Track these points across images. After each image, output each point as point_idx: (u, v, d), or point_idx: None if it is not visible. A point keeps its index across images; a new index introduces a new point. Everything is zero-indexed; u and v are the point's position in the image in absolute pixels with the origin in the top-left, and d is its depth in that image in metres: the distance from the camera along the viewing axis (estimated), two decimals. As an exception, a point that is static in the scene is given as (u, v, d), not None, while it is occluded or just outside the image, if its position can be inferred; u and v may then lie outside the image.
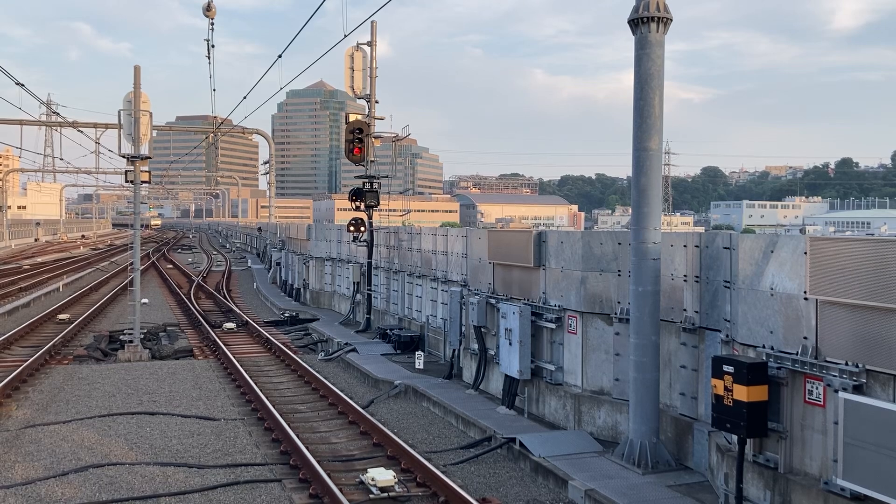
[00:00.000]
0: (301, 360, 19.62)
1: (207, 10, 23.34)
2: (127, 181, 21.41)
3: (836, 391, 8.13)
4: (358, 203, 25.49)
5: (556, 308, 13.90)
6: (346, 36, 19.09)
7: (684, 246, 11.45)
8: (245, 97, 31.40)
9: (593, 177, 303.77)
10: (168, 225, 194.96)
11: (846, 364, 8.20)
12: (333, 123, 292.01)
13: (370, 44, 25.58)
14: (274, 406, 14.64)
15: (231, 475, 11.32)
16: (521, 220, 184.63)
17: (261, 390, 16.02)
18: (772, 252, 9.27)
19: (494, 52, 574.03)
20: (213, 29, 24.84)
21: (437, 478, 10.52)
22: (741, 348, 9.75)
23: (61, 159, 74.17)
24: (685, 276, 11.43)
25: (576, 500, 10.25)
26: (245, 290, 40.49)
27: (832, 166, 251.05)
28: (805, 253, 8.72)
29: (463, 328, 17.45)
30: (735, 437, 9.20)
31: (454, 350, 17.87)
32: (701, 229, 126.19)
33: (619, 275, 12.64)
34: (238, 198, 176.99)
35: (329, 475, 10.64)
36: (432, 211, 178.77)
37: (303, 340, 24.65)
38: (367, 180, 25.37)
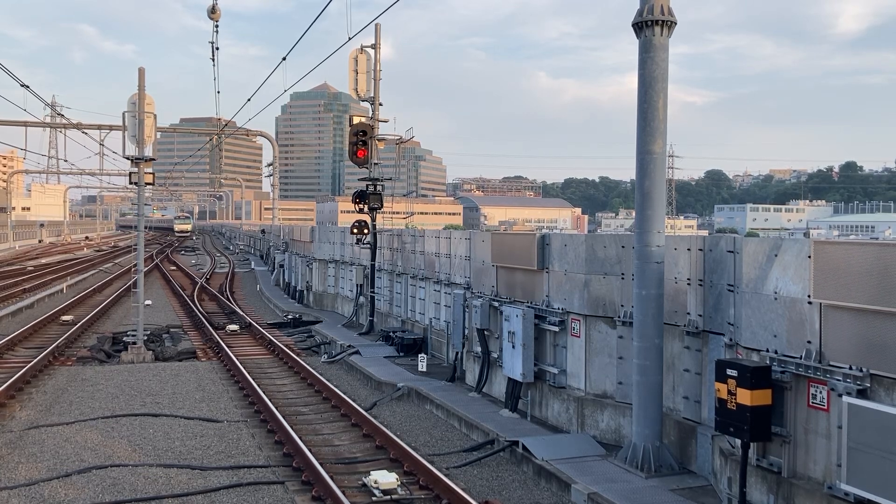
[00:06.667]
0: (304, 363, 19.63)
1: (212, 12, 23.42)
2: (131, 183, 21.46)
3: (840, 395, 8.11)
4: (361, 205, 25.50)
5: (560, 311, 13.89)
6: (350, 38, 19.13)
7: (688, 249, 11.44)
8: (249, 99, 31.42)
9: (597, 180, 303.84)
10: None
11: (850, 368, 8.18)
12: (337, 126, 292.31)
13: (374, 46, 25.60)
14: (277, 408, 14.65)
15: (234, 477, 11.32)
16: (524, 223, 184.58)
17: (264, 392, 16.02)
18: (776, 256, 9.26)
19: (497, 55, 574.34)
20: (217, 31, 24.92)
21: (440, 480, 10.51)
22: (745, 352, 9.73)
23: (65, 161, 74.37)
24: (689, 279, 11.42)
25: (579, 504, 10.24)
26: (248, 292, 40.53)
27: (836, 170, 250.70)
28: (809, 257, 8.70)
29: (466, 331, 17.45)
30: (738, 441, 9.18)
31: (457, 353, 17.87)
32: (705, 233, 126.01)
33: (623, 278, 12.63)
34: (242, 200, 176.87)
35: (332, 477, 10.64)
36: (435, 213, 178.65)
37: (306, 342, 24.66)
38: (370, 182, 25.38)
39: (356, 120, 25.61)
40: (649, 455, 10.99)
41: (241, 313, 29.67)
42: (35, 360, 18.72)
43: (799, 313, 8.86)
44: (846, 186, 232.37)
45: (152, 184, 21.97)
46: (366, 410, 14.81)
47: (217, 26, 24.61)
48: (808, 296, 8.71)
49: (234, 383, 17.87)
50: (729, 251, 10.45)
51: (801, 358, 8.76)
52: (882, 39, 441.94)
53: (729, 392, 9.11)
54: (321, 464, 11.27)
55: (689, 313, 11.43)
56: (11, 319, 27.74)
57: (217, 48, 26.03)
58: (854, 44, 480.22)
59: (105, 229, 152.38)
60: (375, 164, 25.42)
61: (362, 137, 25.18)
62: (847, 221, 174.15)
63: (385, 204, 25.87)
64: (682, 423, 11.43)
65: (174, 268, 55.96)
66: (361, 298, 26.98)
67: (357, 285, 27.09)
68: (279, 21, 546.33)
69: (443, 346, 20.02)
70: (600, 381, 13.11)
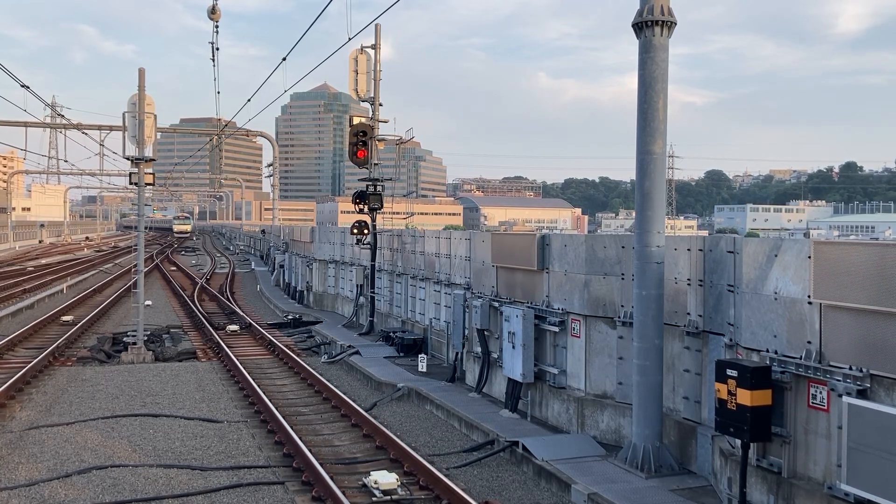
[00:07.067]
0: (304, 363, 19.62)
1: (212, 12, 23.42)
2: (131, 183, 21.45)
3: (840, 396, 8.11)
4: (361, 206, 25.50)
5: (560, 311, 13.89)
6: (350, 39, 19.15)
7: (688, 249, 11.45)
8: (249, 100, 31.45)
9: (597, 180, 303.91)
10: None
11: (850, 368, 8.18)
12: (337, 126, 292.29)
13: (374, 47, 25.60)
14: (277, 408, 14.65)
15: (234, 477, 11.32)
16: (524, 223, 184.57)
17: (264, 392, 16.02)
18: (776, 256, 9.26)
19: (498, 55, 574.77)
20: (217, 31, 24.92)
21: (440, 481, 10.51)
22: (745, 352, 9.73)
23: (66, 161, 74.33)
24: (689, 279, 11.42)
25: (579, 504, 10.23)
26: (248, 293, 40.53)
27: (836, 170, 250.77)
28: (809, 257, 8.71)
29: (466, 331, 17.45)
30: (738, 442, 9.18)
31: (457, 353, 17.87)
32: (705, 233, 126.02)
33: (623, 278, 12.63)
34: (242, 200, 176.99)
35: (332, 478, 10.64)
36: (436, 214, 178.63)
37: (306, 343, 24.67)
38: (370, 183, 25.38)
39: (356, 120, 25.60)
40: (649, 455, 10.99)
41: (242, 314, 29.67)
42: (35, 361, 18.72)
43: (799, 313, 8.87)
44: (846, 187, 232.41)
45: (152, 184, 21.96)
46: (366, 411, 14.81)
47: (217, 27, 24.62)
48: (808, 296, 8.71)
49: (234, 384, 17.87)
50: (729, 251, 10.45)
51: (801, 358, 8.76)
52: (882, 39, 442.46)
53: (729, 392, 9.11)
54: (321, 464, 11.27)
55: (689, 314, 11.43)
56: (12, 320, 27.74)
57: (217, 48, 26.04)
58: (854, 44, 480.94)
59: (105, 230, 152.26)
60: (375, 164, 25.42)
61: (362, 138, 25.18)
62: (847, 222, 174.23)
63: (385, 204, 25.87)
64: (682, 423, 11.43)
65: (174, 268, 55.95)
66: (361, 299, 26.98)
67: (357, 286, 27.09)
68: (279, 21, 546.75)
69: (443, 346, 20.02)
70: (600, 382, 13.11)
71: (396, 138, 26.78)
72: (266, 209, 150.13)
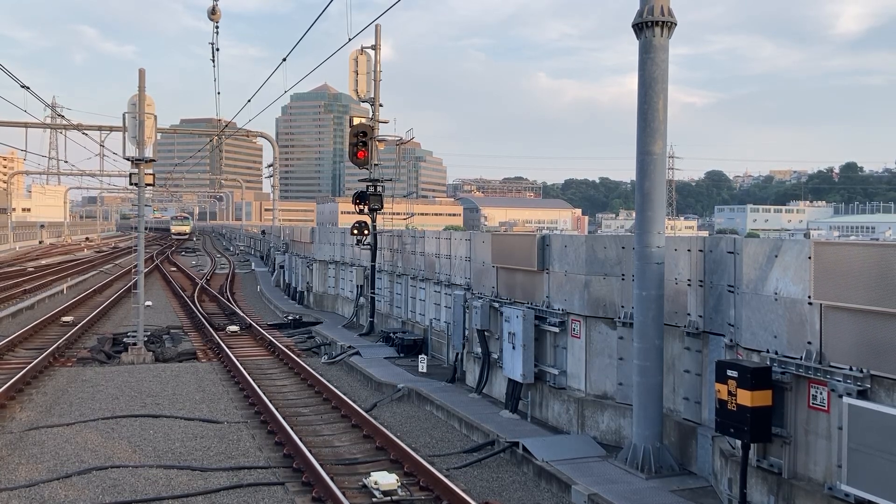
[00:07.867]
0: (304, 363, 19.62)
1: (212, 13, 23.43)
2: (131, 184, 21.45)
3: (841, 396, 8.10)
4: (361, 206, 25.50)
5: (560, 312, 13.89)
6: (350, 39, 19.17)
7: (688, 250, 11.45)
8: (249, 100, 31.48)
9: (597, 180, 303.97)
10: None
11: (850, 369, 8.17)
12: (337, 126, 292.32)
13: (374, 47, 25.60)
14: (277, 409, 14.64)
15: (234, 478, 11.32)
16: (524, 224, 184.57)
17: (264, 393, 16.02)
18: (776, 256, 9.26)
19: (498, 56, 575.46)
20: (217, 32, 24.93)
21: (440, 481, 10.51)
22: (745, 353, 9.73)
23: (66, 162, 74.39)
24: (689, 280, 11.42)
25: (579, 505, 10.23)
26: (248, 293, 40.53)
27: (836, 170, 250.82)
28: (809, 258, 8.70)
29: (466, 332, 17.44)
30: (739, 442, 9.18)
31: (457, 354, 17.87)
32: (705, 233, 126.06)
33: (623, 279, 12.63)
34: (242, 200, 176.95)
35: (332, 478, 10.64)
36: (436, 214, 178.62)
37: (306, 343, 24.66)
38: (370, 183, 25.38)
39: (356, 121, 25.60)
40: (650, 456, 10.98)
41: (242, 314, 29.66)
42: (35, 361, 18.72)
43: (799, 314, 8.86)
44: (846, 187, 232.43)
45: (152, 185, 21.95)
46: (366, 411, 14.80)
47: (217, 27, 24.64)
48: (809, 297, 8.71)
49: (234, 384, 17.87)
50: (729, 252, 10.45)
51: (801, 359, 8.76)
52: (882, 40, 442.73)
53: (729, 393, 9.11)
54: (321, 465, 11.26)
55: (689, 314, 11.43)
56: (12, 320, 27.74)
57: (217, 49, 26.06)
58: (854, 44, 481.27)
59: (105, 230, 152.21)
60: (376, 165, 25.41)
61: (362, 138, 25.18)
62: (847, 222, 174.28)
63: (385, 205, 25.87)
64: (683, 423, 11.42)
65: (174, 269, 55.94)
66: (362, 299, 26.97)
67: (357, 286, 27.08)
68: (279, 22, 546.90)
69: (443, 346, 20.02)
70: (600, 382, 13.11)
71: (396, 139, 26.77)
72: (266, 210, 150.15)
